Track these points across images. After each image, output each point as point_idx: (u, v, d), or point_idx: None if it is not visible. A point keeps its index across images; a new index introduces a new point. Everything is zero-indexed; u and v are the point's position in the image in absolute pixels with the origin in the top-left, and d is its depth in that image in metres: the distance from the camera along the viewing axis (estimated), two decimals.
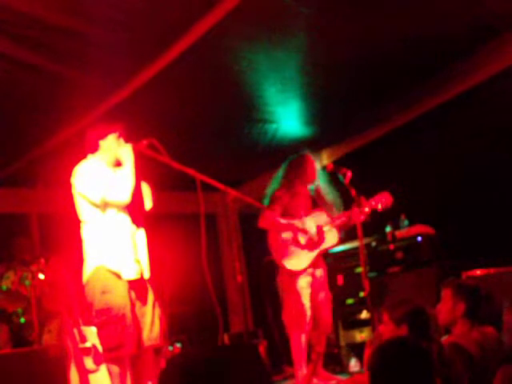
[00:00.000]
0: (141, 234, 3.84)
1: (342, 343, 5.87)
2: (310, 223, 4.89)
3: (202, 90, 5.01)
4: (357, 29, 4.39)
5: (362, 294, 5.55)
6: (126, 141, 3.79)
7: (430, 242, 5.38)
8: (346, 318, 5.90)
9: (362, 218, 4.59)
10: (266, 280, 5.37)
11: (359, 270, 5.08)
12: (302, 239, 4.84)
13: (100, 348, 3.73)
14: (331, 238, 4.91)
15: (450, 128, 5.53)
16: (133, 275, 3.68)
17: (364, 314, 5.72)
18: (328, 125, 6.09)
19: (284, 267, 4.80)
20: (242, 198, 3.97)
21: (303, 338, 4.75)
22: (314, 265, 4.84)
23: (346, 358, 5.71)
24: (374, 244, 5.69)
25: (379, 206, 4.71)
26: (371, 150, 6.14)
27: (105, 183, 3.67)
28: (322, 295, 4.87)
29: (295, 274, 4.78)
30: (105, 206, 3.68)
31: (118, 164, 3.80)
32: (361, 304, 5.70)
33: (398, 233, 5.60)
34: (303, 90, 5.33)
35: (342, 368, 5.64)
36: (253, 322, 7.24)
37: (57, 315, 5.22)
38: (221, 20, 3.90)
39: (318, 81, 5.15)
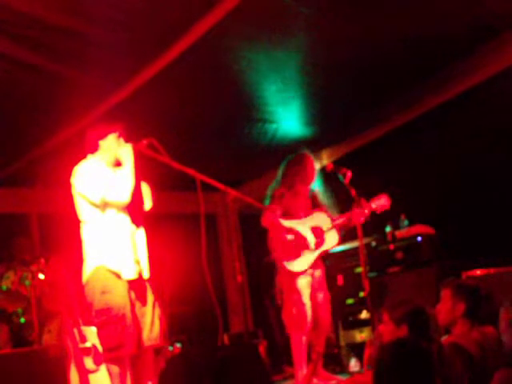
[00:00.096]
0: (141, 234, 3.84)
1: (342, 343, 5.87)
2: (309, 224, 4.88)
3: (202, 90, 5.01)
4: (357, 29, 4.39)
5: (361, 294, 5.55)
6: (126, 141, 3.79)
7: (430, 241, 5.39)
8: (346, 318, 5.90)
9: (362, 219, 4.60)
10: (266, 280, 5.36)
11: (359, 270, 5.08)
12: (303, 240, 4.84)
13: (100, 348, 3.73)
14: (331, 238, 4.91)
15: (449, 128, 5.53)
16: (133, 275, 3.68)
17: (364, 314, 5.72)
18: (328, 125, 6.09)
19: (285, 267, 4.80)
20: (242, 198, 3.97)
21: (303, 338, 4.75)
22: (313, 265, 4.84)
23: (346, 358, 5.71)
24: (373, 244, 5.69)
25: (376, 208, 4.72)
26: (371, 149, 6.14)
27: (105, 183, 3.66)
28: (320, 295, 4.87)
29: (295, 274, 4.78)
30: (105, 206, 3.68)
31: (118, 164, 3.79)
32: (361, 304, 5.70)
33: (397, 233, 5.60)
34: (303, 90, 5.34)
35: (342, 368, 5.64)
36: (253, 322, 7.24)
37: (57, 315, 5.22)
38: (221, 20, 3.90)
39: (318, 81, 5.15)
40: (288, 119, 5.86)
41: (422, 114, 5.62)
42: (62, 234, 5.42)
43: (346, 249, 5.84)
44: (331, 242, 4.90)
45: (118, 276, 3.63)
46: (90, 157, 3.83)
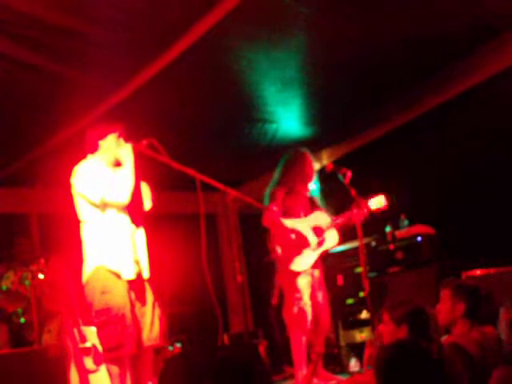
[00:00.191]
0: (140, 234, 3.84)
1: (342, 343, 5.87)
2: (310, 223, 4.88)
3: (202, 90, 5.01)
4: (357, 29, 4.39)
5: (361, 294, 5.55)
6: (126, 141, 3.78)
7: (430, 242, 5.39)
8: (346, 318, 5.90)
9: (362, 218, 4.60)
10: (267, 280, 5.36)
11: (359, 269, 5.08)
12: (304, 239, 4.83)
13: (100, 348, 3.73)
14: (332, 238, 4.91)
15: (450, 128, 5.53)
16: (132, 275, 3.68)
17: (364, 314, 5.72)
18: (328, 125, 6.09)
19: (286, 266, 4.79)
20: (242, 198, 3.96)
21: (303, 338, 4.75)
22: (313, 265, 4.84)
23: (346, 358, 5.71)
24: (373, 244, 5.69)
25: (374, 208, 4.72)
26: (371, 149, 6.14)
27: (104, 183, 3.66)
28: (320, 295, 4.87)
29: (296, 274, 4.77)
30: (104, 206, 3.68)
31: (118, 164, 3.79)
32: (361, 304, 5.70)
33: (397, 233, 5.60)
34: (303, 89, 5.34)
35: (342, 368, 5.64)
36: (253, 322, 7.24)
37: (57, 315, 5.22)
38: (221, 20, 3.90)
39: (318, 81, 5.15)
40: (288, 119, 5.86)
41: (422, 113, 5.62)
42: (62, 234, 5.42)
43: (346, 249, 5.85)
44: (331, 241, 4.91)
45: (118, 276, 3.63)
46: (89, 157, 3.83)
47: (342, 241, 5.04)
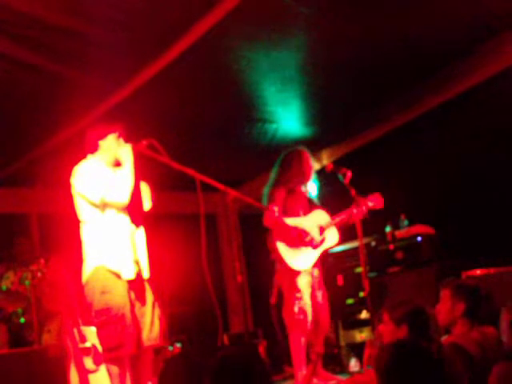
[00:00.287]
0: (140, 234, 3.84)
1: (342, 343, 5.87)
2: (311, 222, 4.88)
3: (202, 90, 5.01)
4: (357, 29, 4.40)
5: (361, 294, 5.55)
6: (126, 141, 3.79)
7: (430, 242, 5.39)
8: (346, 318, 5.90)
9: (361, 217, 4.60)
10: (267, 280, 5.36)
11: (359, 269, 5.08)
12: (305, 238, 4.83)
13: (100, 348, 3.73)
14: (332, 236, 4.91)
15: (450, 128, 5.53)
16: (132, 275, 3.68)
17: (364, 314, 5.72)
18: (328, 125, 6.09)
19: (286, 266, 4.78)
20: (242, 198, 3.96)
21: (302, 338, 4.75)
22: (313, 264, 4.84)
23: (346, 358, 5.71)
24: (373, 244, 5.69)
25: (371, 205, 4.73)
26: (371, 149, 6.14)
27: (104, 183, 3.66)
28: (319, 295, 4.86)
29: (296, 273, 4.77)
30: (104, 206, 3.68)
31: (118, 164, 3.79)
32: (361, 304, 5.70)
33: (397, 233, 5.60)
34: (303, 89, 5.34)
35: (342, 368, 5.64)
36: (253, 322, 7.23)
37: (57, 315, 5.22)
38: (221, 20, 3.90)
39: (318, 81, 5.16)
40: (288, 119, 5.86)
41: (422, 113, 5.62)
42: (62, 234, 5.42)
43: (345, 249, 5.85)
44: (332, 239, 4.90)
45: (118, 276, 3.63)
46: (89, 157, 3.83)
47: (341, 241, 5.03)
